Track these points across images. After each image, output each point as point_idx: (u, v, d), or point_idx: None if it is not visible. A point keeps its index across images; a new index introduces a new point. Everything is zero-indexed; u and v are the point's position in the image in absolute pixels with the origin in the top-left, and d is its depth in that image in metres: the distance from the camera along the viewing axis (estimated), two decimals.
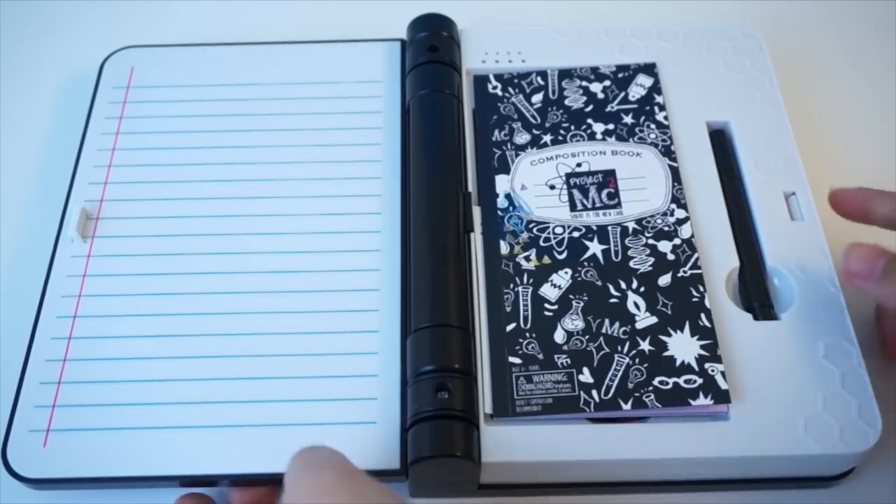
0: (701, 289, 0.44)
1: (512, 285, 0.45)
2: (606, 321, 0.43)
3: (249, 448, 0.41)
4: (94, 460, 0.40)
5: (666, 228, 0.46)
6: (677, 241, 0.46)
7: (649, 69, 0.52)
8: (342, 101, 0.52)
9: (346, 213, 0.48)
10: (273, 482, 0.41)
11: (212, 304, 0.45)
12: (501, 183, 0.48)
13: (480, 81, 0.52)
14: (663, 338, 0.43)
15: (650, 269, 0.45)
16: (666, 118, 0.50)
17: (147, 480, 0.40)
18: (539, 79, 0.52)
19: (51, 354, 0.43)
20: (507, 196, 0.48)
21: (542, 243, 0.46)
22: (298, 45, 0.54)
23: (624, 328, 0.43)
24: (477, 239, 0.46)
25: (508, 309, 0.44)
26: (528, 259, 0.45)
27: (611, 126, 0.50)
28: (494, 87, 0.52)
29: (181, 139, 0.50)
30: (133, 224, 0.47)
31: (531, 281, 0.45)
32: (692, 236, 0.46)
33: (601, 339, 0.43)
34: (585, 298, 0.44)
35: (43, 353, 0.43)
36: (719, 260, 0.45)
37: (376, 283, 0.45)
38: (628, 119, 0.50)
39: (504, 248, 0.46)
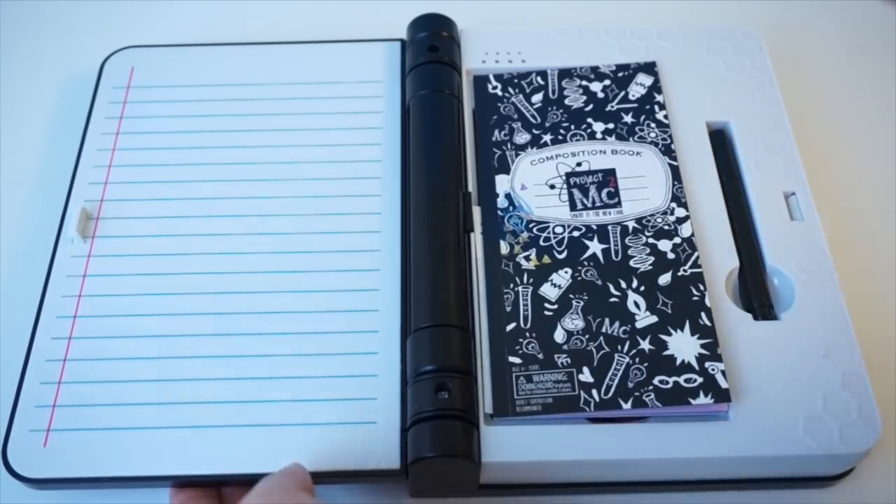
0: (701, 287, 0.44)
1: (512, 285, 0.44)
2: (606, 320, 0.43)
3: (251, 448, 0.41)
4: (95, 460, 0.40)
5: (666, 227, 0.46)
6: (677, 240, 0.46)
7: (649, 68, 0.52)
8: (342, 101, 0.52)
9: (347, 213, 0.48)
10: None
11: (212, 304, 0.45)
12: (501, 183, 0.48)
13: (480, 81, 0.52)
14: (663, 337, 0.43)
15: (650, 268, 0.45)
16: (666, 117, 0.50)
17: (148, 480, 0.40)
18: (539, 78, 0.52)
19: (51, 354, 0.43)
20: (507, 196, 0.48)
21: (542, 243, 0.46)
22: (298, 45, 0.54)
23: (624, 327, 0.43)
24: (477, 239, 0.46)
25: (508, 309, 0.44)
26: (528, 259, 0.45)
27: (611, 125, 0.50)
28: (494, 87, 0.52)
29: (181, 139, 0.50)
30: (133, 224, 0.47)
31: (531, 280, 0.45)
32: (692, 235, 0.46)
33: (601, 338, 0.43)
34: (585, 298, 0.44)
35: (43, 353, 0.43)
36: (719, 259, 0.45)
37: (376, 283, 0.45)
38: (628, 118, 0.50)
39: (504, 248, 0.46)
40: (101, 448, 0.41)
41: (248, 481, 0.40)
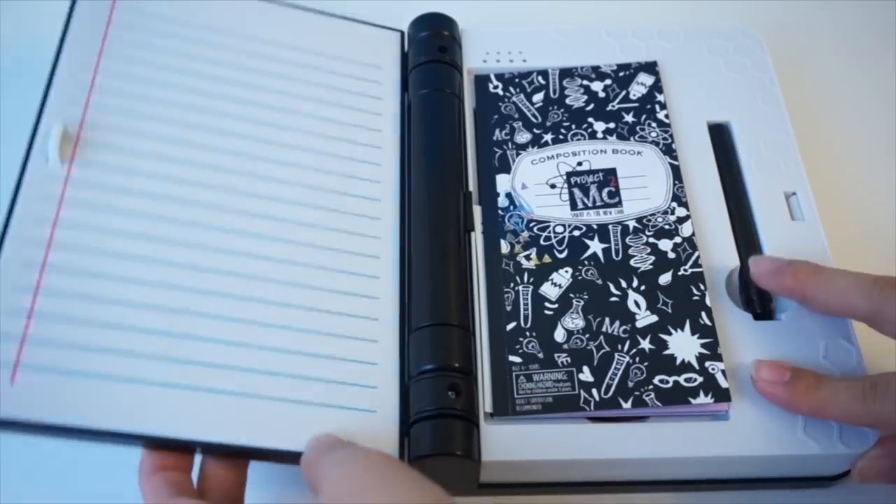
0: (702, 287, 0.44)
1: (512, 284, 0.45)
2: (607, 320, 0.43)
3: (243, 418, 0.39)
4: (69, 407, 0.36)
5: (667, 227, 0.46)
6: (678, 240, 0.46)
7: (650, 68, 0.52)
8: (345, 80, 0.50)
9: (347, 193, 0.46)
10: (258, 457, 0.39)
11: (205, 258, 0.42)
12: (502, 182, 0.48)
13: (481, 81, 0.52)
14: (664, 336, 0.43)
15: (651, 267, 0.45)
16: (667, 117, 0.50)
17: (124, 437, 0.37)
18: (540, 78, 0.52)
19: (20, 280, 0.38)
20: (508, 195, 0.48)
21: (542, 242, 0.46)
22: (308, 12, 0.52)
23: (624, 327, 0.43)
24: (477, 238, 0.46)
25: (509, 308, 0.44)
26: (528, 258, 0.45)
27: (612, 125, 0.50)
28: (495, 87, 0.52)
29: (174, 77, 0.46)
30: (121, 154, 0.43)
31: (531, 280, 0.45)
32: (693, 234, 0.46)
33: (601, 337, 0.43)
34: (586, 297, 0.44)
35: (10, 278, 0.38)
36: (720, 259, 0.45)
37: (377, 289, 0.44)
38: (629, 118, 0.50)
39: (504, 247, 0.46)
40: (77, 395, 0.37)
41: (233, 452, 0.38)
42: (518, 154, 0.49)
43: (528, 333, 0.43)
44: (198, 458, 0.39)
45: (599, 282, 0.44)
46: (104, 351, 0.38)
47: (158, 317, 0.40)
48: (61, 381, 0.37)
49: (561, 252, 0.45)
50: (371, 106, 0.50)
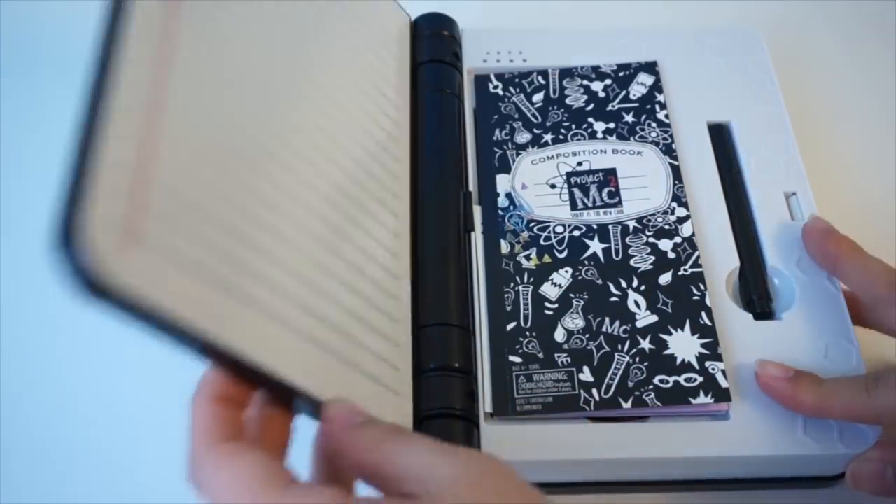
0: (702, 287, 0.44)
1: (512, 284, 0.45)
2: (607, 320, 0.43)
3: (294, 357, 0.34)
4: (181, 300, 0.29)
5: (667, 227, 0.46)
6: (678, 240, 0.46)
7: (650, 68, 0.52)
8: (367, 41, 0.48)
9: (371, 154, 0.45)
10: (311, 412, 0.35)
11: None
12: (502, 182, 0.48)
13: (481, 81, 0.52)
14: (664, 336, 0.43)
15: (651, 267, 0.45)
16: (667, 117, 0.50)
17: (211, 350, 0.30)
18: (540, 78, 0.52)
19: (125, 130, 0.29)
20: (508, 195, 0.48)
21: (542, 242, 0.46)
22: None
23: (624, 327, 0.43)
24: (477, 238, 0.46)
25: (509, 308, 0.44)
26: (528, 258, 0.45)
27: (612, 125, 0.50)
28: (495, 87, 0.52)
29: None
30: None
31: (531, 280, 0.45)
32: (693, 234, 0.46)
33: (601, 337, 0.43)
34: (586, 297, 0.44)
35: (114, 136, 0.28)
36: (720, 259, 0.45)
37: (396, 267, 0.43)
38: (629, 118, 0.50)
39: (504, 247, 0.46)
40: (189, 290, 0.30)
41: (277, 387, 0.33)
42: (518, 154, 0.49)
43: (528, 333, 0.43)
44: None
45: (599, 282, 0.44)
46: (223, 253, 0.32)
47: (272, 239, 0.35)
48: (175, 268, 0.30)
49: (561, 252, 0.45)
50: (392, 79, 0.49)
